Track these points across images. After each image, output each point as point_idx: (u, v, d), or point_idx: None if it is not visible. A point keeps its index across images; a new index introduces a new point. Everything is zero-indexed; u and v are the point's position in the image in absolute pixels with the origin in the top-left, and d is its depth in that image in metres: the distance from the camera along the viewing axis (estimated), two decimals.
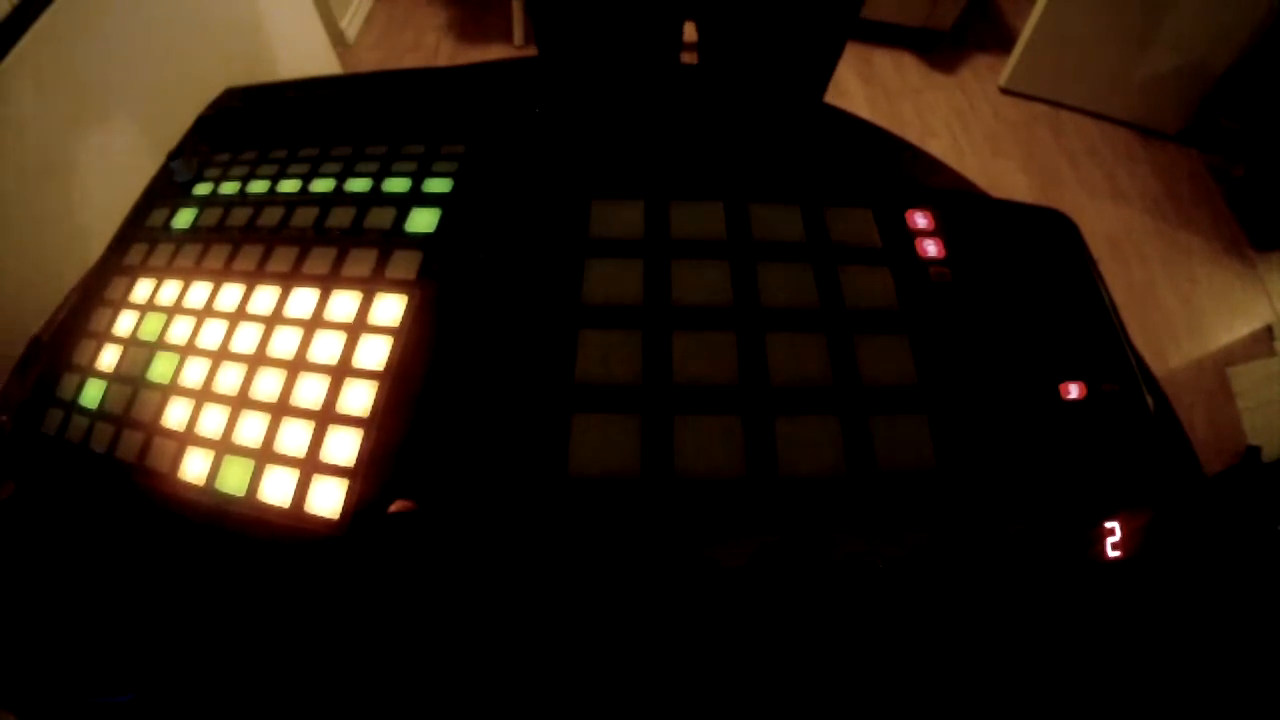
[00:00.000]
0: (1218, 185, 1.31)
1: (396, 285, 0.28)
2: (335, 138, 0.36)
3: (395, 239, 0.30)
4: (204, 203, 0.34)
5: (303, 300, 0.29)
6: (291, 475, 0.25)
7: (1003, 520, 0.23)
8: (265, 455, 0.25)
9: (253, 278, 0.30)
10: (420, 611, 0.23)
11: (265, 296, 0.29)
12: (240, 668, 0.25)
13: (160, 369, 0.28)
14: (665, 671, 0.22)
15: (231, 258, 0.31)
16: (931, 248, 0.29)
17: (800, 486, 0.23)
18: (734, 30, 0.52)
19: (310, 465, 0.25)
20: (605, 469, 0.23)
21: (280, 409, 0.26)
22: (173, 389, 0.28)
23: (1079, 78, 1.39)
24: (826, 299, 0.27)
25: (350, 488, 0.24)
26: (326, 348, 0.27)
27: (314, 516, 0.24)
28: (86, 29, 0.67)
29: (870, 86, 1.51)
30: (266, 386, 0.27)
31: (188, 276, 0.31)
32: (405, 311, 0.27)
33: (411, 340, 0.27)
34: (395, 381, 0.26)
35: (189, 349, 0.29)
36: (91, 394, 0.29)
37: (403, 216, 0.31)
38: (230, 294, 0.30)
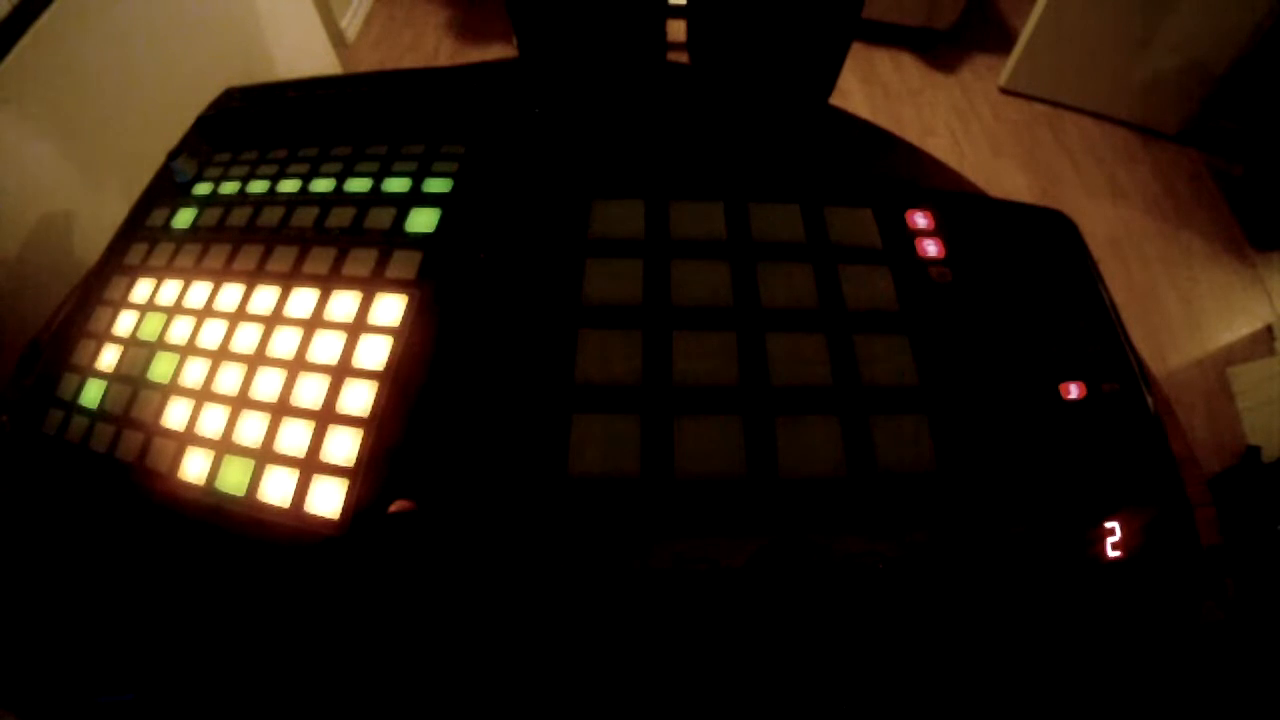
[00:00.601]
0: (1218, 185, 1.31)
1: (396, 285, 0.28)
2: (335, 138, 0.36)
3: (395, 239, 0.30)
4: (204, 203, 0.34)
5: (303, 300, 0.29)
6: (291, 475, 0.25)
7: (1002, 521, 0.23)
8: (265, 455, 0.25)
9: (253, 278, 0.30)
10: (420, 611, 0.23)
11: (265, 296, 0.29)
12: (240, 668, 0.25)
13: (160, 369, 0.28)
14: (665, 671, 0.22)
15: (231, 258, 0.31)
16: (931, 248, 0.29)
17: (800, 486, 0.23)
18: (733, 30, 0.52)
19: (310, 465, 0.25)
20: (605, 469, 0.23)
21: (280, 409, 0.26)
22: (173, 389, 0.28)
23: (1079, 78, 1.39)
24: (826, 299, 0.27)
25: (350, 488, 0.24)
26: (326, 348, 0.27)
27: (314, 516, 0.24)
28: (86, 29, 0.67)
29: (870, 86, 1.51)
30: (266, 386, 0.27)
31: (188, 276, 0.31)
32: (405, 311, 0.27)
33: (411, 340, 0.27)
34: (395, 381, 0.26)
35: (189, 349, 0.29)
36: (91, 394, 0.29)
37: (403, 216, 0.31)
38: (230, 294, 0.30)
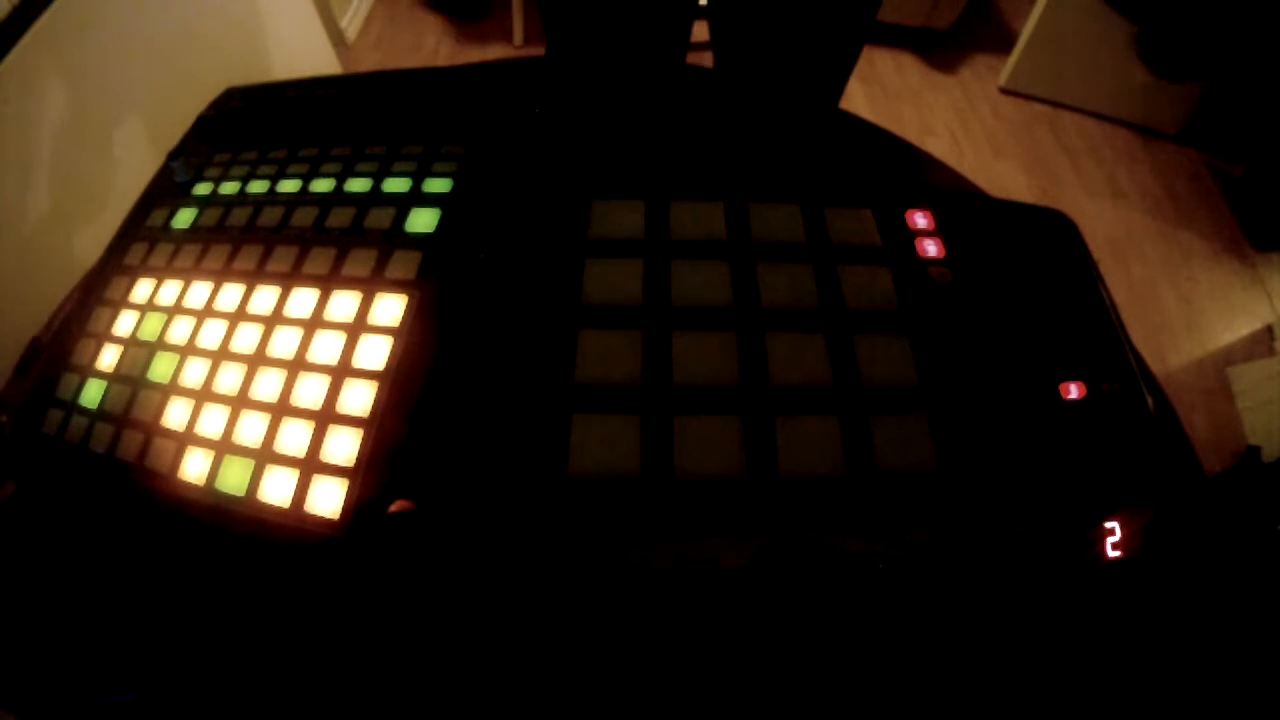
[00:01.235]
0: (1218, 185, 1.31)
1: (396, 285, 0.28)
2: (335, 138, 0.36)
3: (395, 239, 0.30)
4: (204, 203, 0.34)
5: (303, 300, 0.29)
6: (291, 475, 0.25)
7: (1003, 520, 0.23)
8: (265, 455, 0.25)
9: (253, 278, 0.30)
10: (420, 612, 0.23)
11: (265, 296, 0.29)
12: (240, 668, 0.25)
13: (160, 369, 0.28)
14: (665, 671, 0.22)
15: (231, 258, 0.31)
16: (931, 248, 0.29)
17: (800, 486, 0.23)
18: (750, 31, 0.52)
19: (310, 465, 0.25)
20: (605, 469, 0.23)
21: (280, 409, 0.26)
22: (173, 389, 0.28)
23: (1079, 78, 1.39)
24: (826, 299, 0.27)
25: (350, 488, 0.24)
26: (326, 348, 0.27)
27: (314, 516, 0.24)
28: (86, 29, 0.67)
29: (870, 86, 1.51)
30: (266, 386, 0.27)
31: (188, 276, 0.31)
32: (405, 311, 0.27)
33: (411, 340, 0.27)
34: (395, 381, 0.26)
35: (189, 349, 0.29)
36: (91, 394, 0.29)
37: (403, 216, 0.31)
38: (230, 294, 0.30)
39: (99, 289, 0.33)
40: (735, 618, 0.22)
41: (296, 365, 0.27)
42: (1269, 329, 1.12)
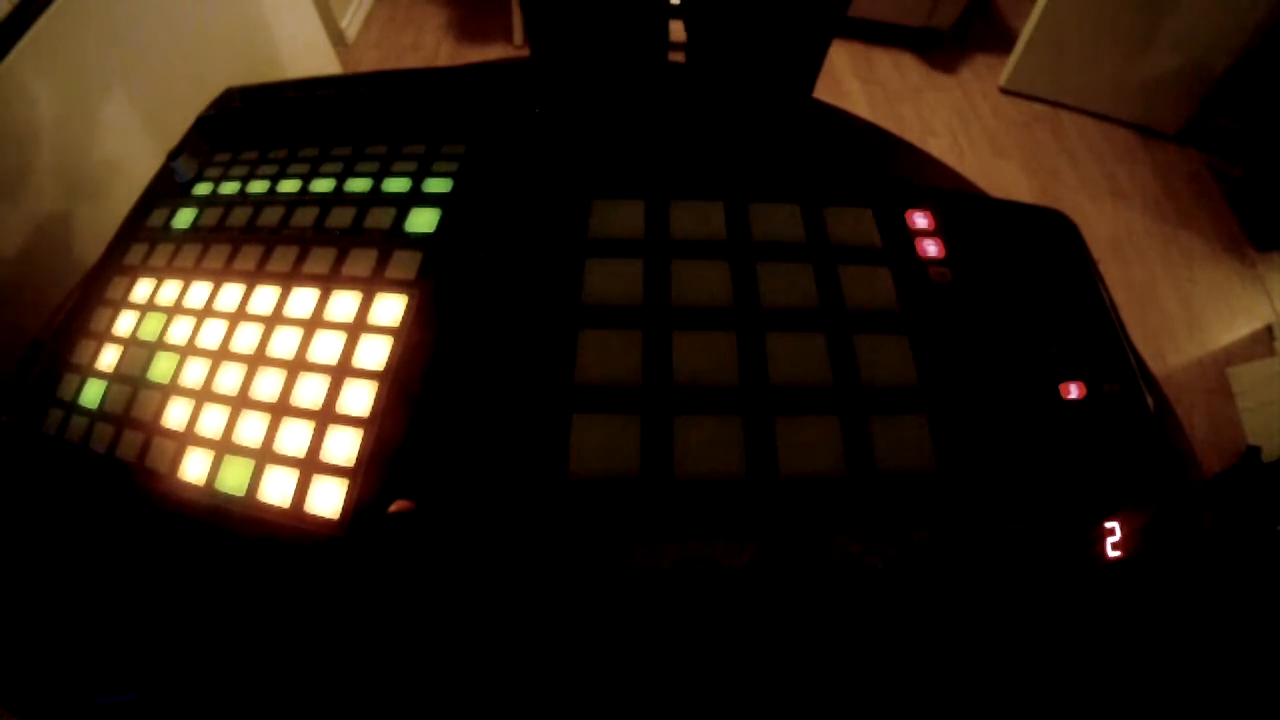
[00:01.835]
0: (1218, 185, 1.31)
1: (396, 285, 0.28)
2: (335, 138, 0.36)
3: (395, 239, 0.30)
4: (204, 203, 0.34)
5: (303, 300, 0.29)
6: (291, 475, 0.25)
7: (1003, 520, 0.23)
8: (265, 455, 0.25)
9: (253, 278, 0.30)
10: (420, 612, 0.23)
11: (265, 296, 0.29)
12: (240, 668, 0.25)
13: (160, 369, 0.28)
14: (665, 671, 0.22)
15: (231, 258, 0.31)
16: (931, 248, 0.29)
17: (800, 486, 0.23)
18: (720, 26, 0.53)
19: (310, 465, 0.25)
20: (605, 469, 0.23)
21: (280, 409, 0.26)
22: (173, 389, 0.28)
23: (1079, 78, 1.39)
24: (826, 299, 0.27)
25: (350, 488, 0.24)
26: (326, 348, 0.27)
27: (314, 516, 0.24)
28: (86, 29, 0.67)
29: (870, 86, 1.51)
30: (266, 386, 0.27)
31: (188, 276, 0.31)
32: (405, 311, 0.27)
33: (411, 340, 0.27)
34: (395, 381, 0.26)
35: (189, 349, 0.29)
36: (91, 394, 0.29)
37: (403, 216, 0.31)
38: (230, 294, 0.30)
39: (99, 289, 0.33)
40: (735, 618, 0.22)
41: (296, 365, 0.27)
42: (1269, 329, 1.12)
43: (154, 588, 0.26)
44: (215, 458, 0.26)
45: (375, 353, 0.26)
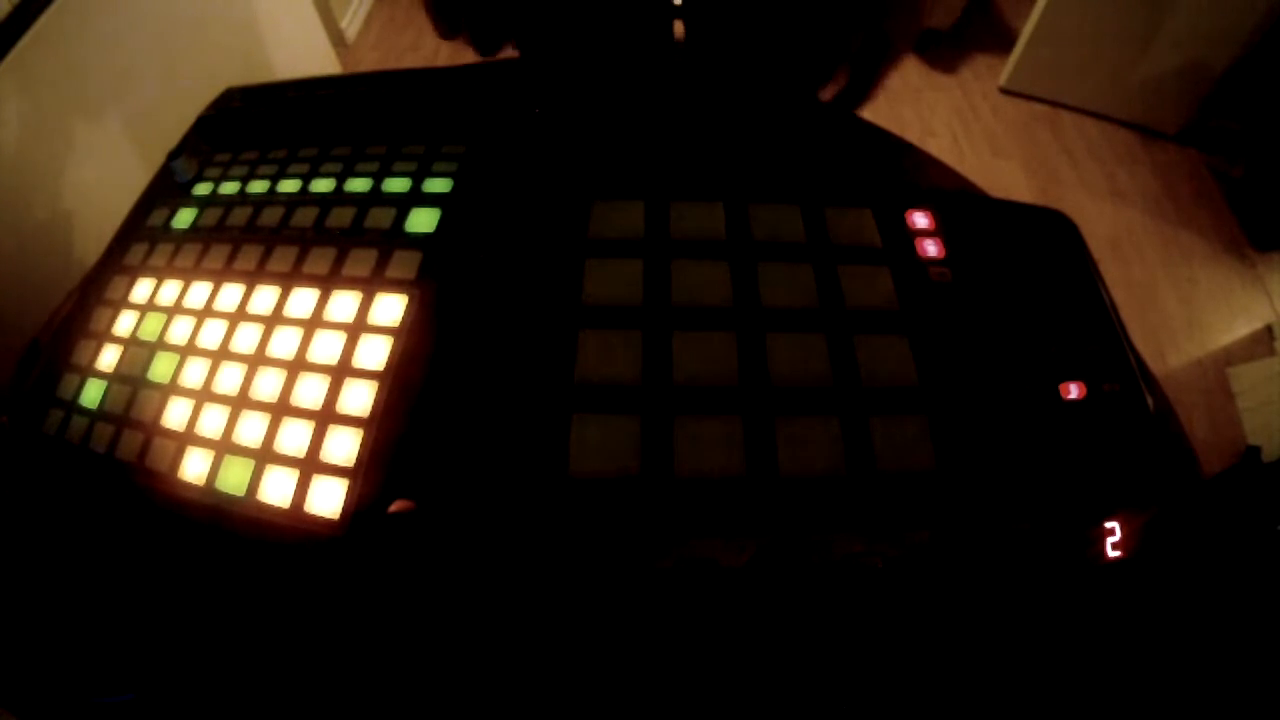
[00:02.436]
0: (1218, 185, 1.31)
1: (396, 285, 0.28)
2: (335, 138, 0.36)
3: (395, 239, 0.30)
4: (204, 203, 0.34)
5: (303, 300, 0.29)
6: (291, 475, 0.25)
7: (1003, 520, 0.23)
8: (265, 455, 0.25)
9: (253, 278, 0.30)
10: (419, 611, 0.23)
11: (265, 296, 0.29)
12: (240, 668, 0.25)
13: (160, 369, 0.28)
14: (666, 670, 0.22)
15: (231, 258, 0.31)
16: (931, 248, 0.29)
17: (800, 486, 0.23)
18: (720, 26, 0.52)
19: (310, 465, 0.25)
20: (605, 468, 0.23)
21: (280, 409, 0.26)
22: (173, 389, 0.28)
23: (1079, 78, 1.39)
24: (826, 299, 0.27)
25: (350, 488, 0.24)
26: (326, 348, 0.27)
27: (314, 516, 0.24)
28: (86, 29, 0.67)
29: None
30: (266, 386, 0.27)
31: (188, 276, 0.31)
32: (405, 311, 0.27)
33: (411, 340, 0.27)
34: (395, 381, 0.26)
35: (189, 349, 0.29)
36: (91, 394, 0.29)
37: (403, 216, 0.31)
38: (230, 294, 0.30)
39: (99, 289, 0.33)
40: (735, 618, 0.22)
41: (296, 365, 0.27)
42: (1269, 329, 1.12)
43: (154, 588, 0.26)
44: (215, 458, 0.26)
45: (375, 353, 0.26)
